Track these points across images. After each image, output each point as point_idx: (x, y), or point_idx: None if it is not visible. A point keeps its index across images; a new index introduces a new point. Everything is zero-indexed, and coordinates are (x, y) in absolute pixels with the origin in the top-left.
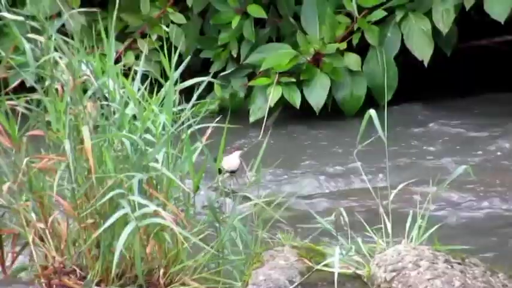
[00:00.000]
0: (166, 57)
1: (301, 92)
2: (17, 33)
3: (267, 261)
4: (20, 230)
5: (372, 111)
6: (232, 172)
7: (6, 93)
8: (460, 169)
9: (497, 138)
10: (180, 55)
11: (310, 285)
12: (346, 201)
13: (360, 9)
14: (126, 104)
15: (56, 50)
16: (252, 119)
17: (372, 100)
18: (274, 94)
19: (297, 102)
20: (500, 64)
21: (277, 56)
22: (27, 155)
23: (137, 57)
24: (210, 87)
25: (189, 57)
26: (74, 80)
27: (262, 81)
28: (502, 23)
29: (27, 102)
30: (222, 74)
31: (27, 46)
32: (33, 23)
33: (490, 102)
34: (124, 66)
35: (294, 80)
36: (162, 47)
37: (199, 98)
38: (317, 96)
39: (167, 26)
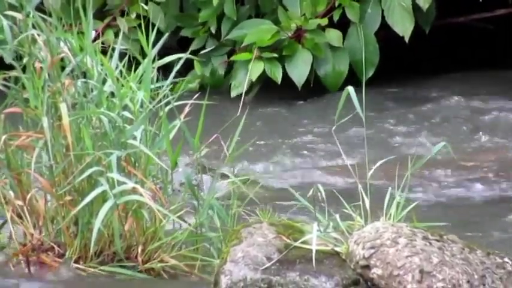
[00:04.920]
0: (144, 35)
1: (283, 67)
2: None
3: (245, 238)
4: None
5: (350, 88)
6: None
7: None
8: (438, 146)
9: (477, 117)
10: (160, 33)
11: (288, 262)
12: (325, 178)
13: None
14: (104, 81)
15: (34, 27)
16: (233, 94)
17: (355, 77)
18: (255, 69)
19: (278, 77)
20: (482, 42)
21: (259, 31)
22: (4, 133)
23: (116, 35)
24: (189, 65)
25: (167, 34)
26: (52, 57)
27: (244, 56)
28: (480, 0)
29: (4, 79)
30: (202, 52)
31: (5, 23)
32: (11, 0)
33: (471, 81)
34: (103, 44)
35: (275, 55)
36: (141, 25)
37: (180, 76)
38: (299, 72)
39: (146, 4)
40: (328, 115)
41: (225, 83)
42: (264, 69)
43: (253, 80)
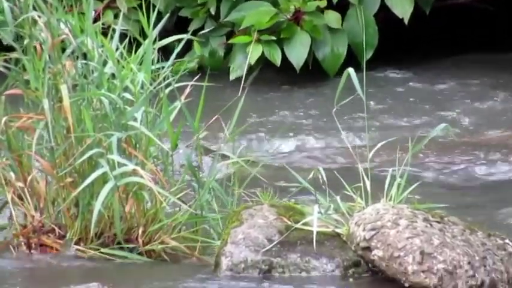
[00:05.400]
0: (145, 15)
1: (282, 50)
2: None
3: (246, 220)
4: None
5: (350, 70)
6: None
7: None
8: (438, 128)
9: (478, 99)
10: (158, 14)
11: (289, 244)
12: (325, 160)
13: None
14: (105, 63)
15: (34, 8)
16: (232, 77)
17: (354, 59)
18: (254, 52)
19: (277, 60)
20: (482, 23)
21: (257, 13)
22: (5, 114)
23: (116, 16)
24: (187, 46)
25: (167, 15)
26: (53, 39)
27: (243, 39)
28: None
29: (5, 61)
30: (201, 32)
31: (5, 5)
32: None
33: (470, 63)
34: (103, 24)
35: (274, 38)
36: (141, 5)
37: (178, 57)
38: (297, 54)
39: None
40: (329, 97)
41: (224, 64)
42: (263, 52)
43: (252, 63)
